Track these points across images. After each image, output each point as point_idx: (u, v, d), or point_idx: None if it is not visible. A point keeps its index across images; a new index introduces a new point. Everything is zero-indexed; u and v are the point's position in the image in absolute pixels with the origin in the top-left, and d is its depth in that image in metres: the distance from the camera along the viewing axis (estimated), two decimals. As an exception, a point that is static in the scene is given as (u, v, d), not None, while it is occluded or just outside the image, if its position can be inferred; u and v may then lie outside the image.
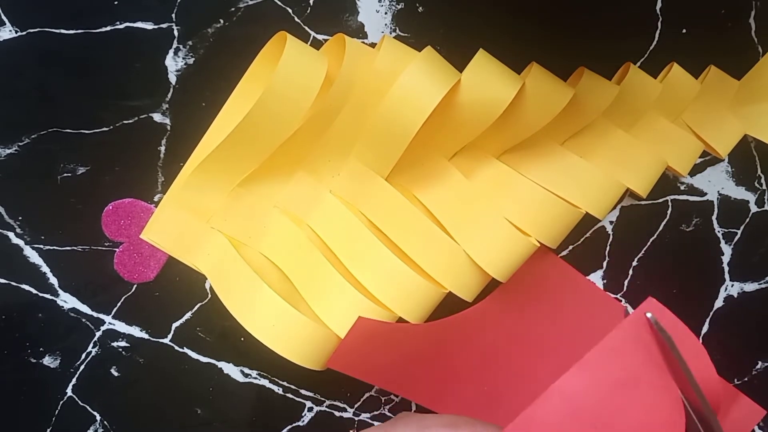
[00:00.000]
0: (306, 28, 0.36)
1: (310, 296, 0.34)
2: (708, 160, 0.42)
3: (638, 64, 0.39)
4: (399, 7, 0.36)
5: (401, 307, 0.34)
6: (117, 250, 0.36)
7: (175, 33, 0.35)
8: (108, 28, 0.34)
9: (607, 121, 0.38)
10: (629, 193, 0.41)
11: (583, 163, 0.37)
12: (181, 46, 0.35)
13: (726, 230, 0.43)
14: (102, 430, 0.39)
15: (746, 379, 0.46)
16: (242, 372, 0.39)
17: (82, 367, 0.38)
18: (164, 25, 0.34)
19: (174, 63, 0.35)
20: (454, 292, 0.36)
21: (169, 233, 0.35)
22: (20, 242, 0.36)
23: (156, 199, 0.36)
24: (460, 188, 0.36)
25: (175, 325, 0.38)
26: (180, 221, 0.35)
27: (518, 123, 0.35)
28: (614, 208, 0.41)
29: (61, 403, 0.38)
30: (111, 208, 0.35)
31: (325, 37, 0.36)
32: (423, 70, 0.32)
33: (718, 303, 0.44)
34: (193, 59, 0.35)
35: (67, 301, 0.37)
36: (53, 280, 0.36)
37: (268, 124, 0.32)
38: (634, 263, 0.43)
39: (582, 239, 0.42)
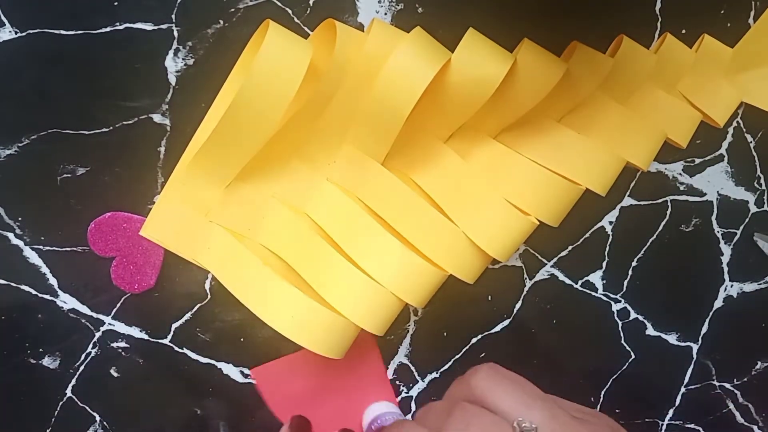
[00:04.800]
0: (306, 28, 0.36)
1: (318, 284, 0.34)
2: (707, 160, 0.42)
3: (638, 64, 0.39)
4: (399, 7, 0.36)
5: (404, 291, 0.34)
6: (112, 266, 0.36)
7: (175, 34, 0.35)
8: (108, 29, 0.34)
9: (603, 95, 0.38)
10: (631, 190, 0.41)
11: (581, 138, 0.37)
12: (180, 47, 0.35)
13: (725, 230, 0.43)
14: (102, 430, 0.39)
15: (746, 378, 0.46)
16: (242, 372, 0.39)
17: (81, 367, 0.38)
18: (164, 26, 0.34)
19: (174, 64, 0.35)
20: (455, 275, 0.36)
21: (168, 229, 0.35)
22: (20, 243, 0.36)
23: (155, 200, 0.36)
24: (457, 170, 0.36)
25: (174, 325, 0.38)
26: (178, 216, 0.35)
27: (512, 100, 0.35)
28: (613, 209, 0.41)
29: (60, 403, 0.38)
30: (93, 226, 0.35)
31: (325, 37, 0.36)
32: (413, 50, 0.32)
33: (718, 303, 0.44)
34: (193, 60, 0.35)
35: (66, 301, 0.37)
36: (53, 281, 0.36)
37: (251, 114, 0.31)
38: (634, 263, 0.43)
39: (582, 239, 0.42)
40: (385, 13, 0.36)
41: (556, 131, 0.37)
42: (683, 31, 0.39)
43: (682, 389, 0.45)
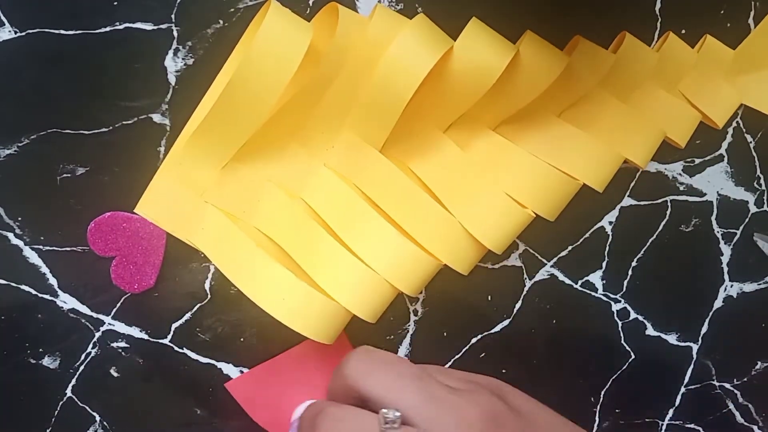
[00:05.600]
0: (305, 28, 0.36)
1: (311, 268, 0.34)
2: (707, 160, 0.42)
3: (638, 64, 0.39)
4: (399, 7, 0.36)
5: (398, 278, 0.34)
6: (111, 265, 0.36)
7: (175, 33, 0.35)
8: (107, 29, 0.34)
9: (603, 91, 0.38)
10: (630, 190, 0.41)
11: (580, 134, 0.37)
12: (180, 47, 0.35)
13: (725, 230, 0.43)
14: (102, 430, 0.38)
15: (746, 379, 0.46)
16: (242, 372, 0.39)
17: (81, 367, 0.38)
18: (164, 26, 0.34)
19: (173, 63, 0.35)
20: (450, 265, 0.35)
21: (162, 208, 0.34)
22: (20, 243, 0.36)
23: (155, 199, 0.36)
24: (455, 160, 0.36)
25: (174, 325, 0.38)
26: (173, 195, 0.34)
27: (513, 92, 0.35)
28: (613, 209, 0.42)
29: (60, 403, 0.38)
30: (93, 226, 0.35)
31: (325, 37, 0.36)
32: (415, 37, 0.32)
33: (718, 303, 0.44)
34: (193, 60, 0.35)
35: (66, 301, 0.37)
36: (53, 281, 0.36)
37: (249, 93, 0.31)
38: (634, 264, 0.43)
39: (581, 239, 0.42)
40: (385, 13, 0.36)
41: (555, 126, 0.37)
42: (683, 31, 0.39)
43: (682, 389, 0.45)
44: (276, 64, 0.31)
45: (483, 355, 0.42)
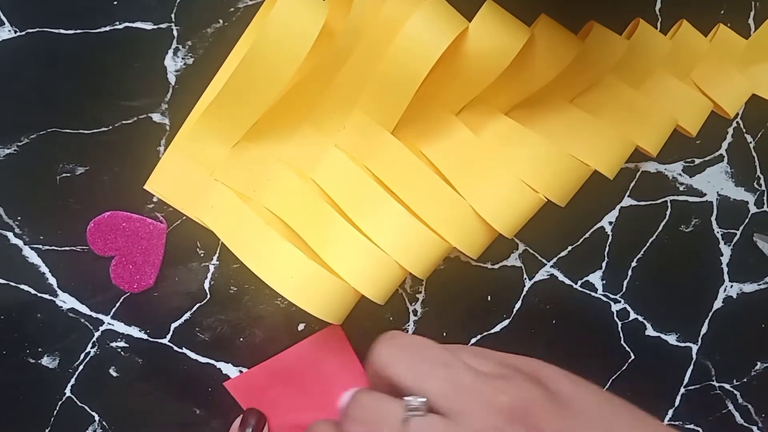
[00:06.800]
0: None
1: (321, 248, 0.34)
2: (707, 160, 0.42)
3: (638, 64, 0.39)
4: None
5: (407, 259, 0.34)
6: (111, 265, 0.36)
7: (175, 33, 0.35)
8: (107, 28, 0.34)
9: (616, 78, 0.38)
10: (630, 190, 0.41)
11: (592, 120, 0.36)
12: (180, 47, 0.35)
13: (725, 231, 0.43)
14: (101, 430, 0.38)
15: (746, 379, 0.46)
16: (241, 372, 0.39)
17: (80, 367, 0.37)
18: (163, 25, 0.34)
19: (173, 63, 0.35)
20: (459, 248, 0.35)
21: (172, 185, 0.34)
22: (19, 242, 0.35)
23: (155, 200, 0.36)
24: (467, 143, 0.36)
25: (174, 325, 0.38)
26: (183, 173, 0.34)
27: (526, 75, 0.34)
28: (613, 209, 0.41)
29: (59, 403, 0.38)
30: (92, 226, 0.35)
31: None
32: (429, 17, 0.32)
33: (718, 303, 0.44)
34: (193, 59, 0.35)
35: (65, 301, 0.37)
36: (52, 280, 0.36)
37: (263, 71, 0.31)
38: (634, 264, 0.43)
39: (581, 240, 0.42)
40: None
41: (567, 111, 0.37)
42: (683, 32, 0.39)
43: (682, 390, 0.45)
44: (291, 41, 0.30)
45: (483, 355, 0.42)
